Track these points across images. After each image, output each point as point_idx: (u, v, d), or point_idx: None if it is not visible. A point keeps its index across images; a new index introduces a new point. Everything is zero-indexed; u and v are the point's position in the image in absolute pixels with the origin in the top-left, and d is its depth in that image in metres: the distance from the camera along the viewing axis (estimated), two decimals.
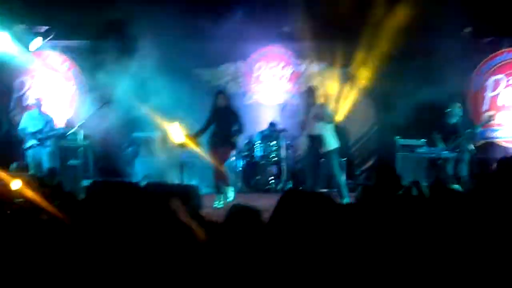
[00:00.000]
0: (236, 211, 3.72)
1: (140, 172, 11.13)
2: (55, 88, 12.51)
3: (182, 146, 9.50)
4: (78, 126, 9.47)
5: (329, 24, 11.68)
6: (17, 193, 5.06)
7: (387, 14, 11.26)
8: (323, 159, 8.94)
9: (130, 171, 11.29)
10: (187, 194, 6.03)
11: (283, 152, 11.34)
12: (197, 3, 11.72)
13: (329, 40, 11.98)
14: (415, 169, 10.73)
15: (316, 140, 8.91)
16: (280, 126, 11.58)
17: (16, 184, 5.18)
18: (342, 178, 9.07)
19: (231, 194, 9.46)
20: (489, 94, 11.81)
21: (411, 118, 11.17)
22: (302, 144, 9.09)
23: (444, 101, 11.72)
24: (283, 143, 11.38)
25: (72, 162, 10.76)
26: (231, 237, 3.35)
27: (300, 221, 2.96)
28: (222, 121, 9.48)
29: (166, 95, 11.58)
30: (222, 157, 9.50)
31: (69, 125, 10.92)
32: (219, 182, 9.53)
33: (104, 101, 10.00)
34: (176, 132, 10.73)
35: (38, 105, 10.45)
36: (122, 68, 12.20)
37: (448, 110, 9.88)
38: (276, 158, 11.19)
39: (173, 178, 10.53)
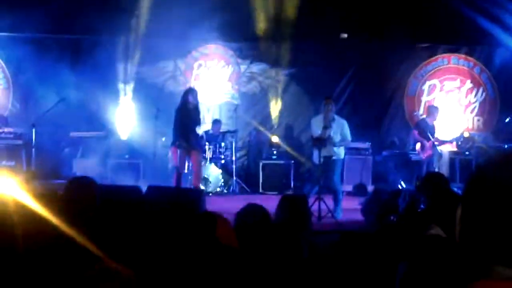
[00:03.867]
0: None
1: (78, 173, 10.43)
2: None
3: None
4: (32, 124, 8.66)
5: (272, 24, 11.69)
6: None
7: None
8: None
9: (68, 172, 10.59)
10: (195, 200, 5.76)
11: (231, 154, 11.08)
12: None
13: (270, 40, 11.89)
14: (361, 171, 10.97)
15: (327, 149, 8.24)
16: (229, 127, 11.32)
17: None
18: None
19: None
20: (424, 98, 12.22)
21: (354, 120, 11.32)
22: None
23: (383, 105, 12.13)
24: (232, 145, 11.12)
25: (6, 163, 9.99)
26: None
27: None
28: (192, 122, 8.89)
29: (101, 91, 11.11)
30: (198, 160, 9.11)
31: (2, 123, 10.10)
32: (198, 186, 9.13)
33: (60, 98, 9.22)
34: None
35: None
36: (55, 64, 11.55)
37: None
38: (224, 160, 10.90)
39: (115, 179, 10.06)
